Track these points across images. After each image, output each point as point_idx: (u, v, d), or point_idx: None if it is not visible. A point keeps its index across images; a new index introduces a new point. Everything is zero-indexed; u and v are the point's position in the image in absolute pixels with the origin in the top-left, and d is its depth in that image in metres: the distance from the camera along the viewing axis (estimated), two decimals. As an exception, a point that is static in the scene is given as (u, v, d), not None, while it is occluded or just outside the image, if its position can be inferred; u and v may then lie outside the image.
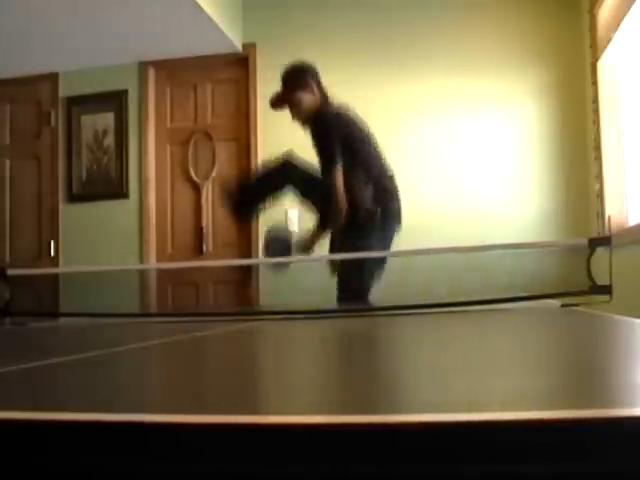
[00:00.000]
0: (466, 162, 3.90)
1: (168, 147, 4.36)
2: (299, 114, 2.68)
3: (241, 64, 4.25)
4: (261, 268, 3.99)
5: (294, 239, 2.66)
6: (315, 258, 2.86)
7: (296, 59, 2.81)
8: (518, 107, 3.92)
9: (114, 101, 4.34)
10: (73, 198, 4.38)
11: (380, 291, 2.91)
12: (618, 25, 3.19)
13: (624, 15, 3.09)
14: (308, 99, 2.68)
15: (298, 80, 2.71)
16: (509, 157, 3.91)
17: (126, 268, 3.90)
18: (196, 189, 4.30)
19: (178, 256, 4.21)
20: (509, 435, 0.30)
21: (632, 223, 3.27)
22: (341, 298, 2.51)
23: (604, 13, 3.42)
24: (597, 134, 3.55)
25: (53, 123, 4.44)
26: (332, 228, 2.61)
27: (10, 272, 1.84)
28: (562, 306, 1.57)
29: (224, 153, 4.27)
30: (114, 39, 3.98)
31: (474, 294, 2.66)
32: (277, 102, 2.77)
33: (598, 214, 3.56)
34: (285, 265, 2.61)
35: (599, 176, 3.54)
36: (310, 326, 1.33)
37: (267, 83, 4.22)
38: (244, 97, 4.24)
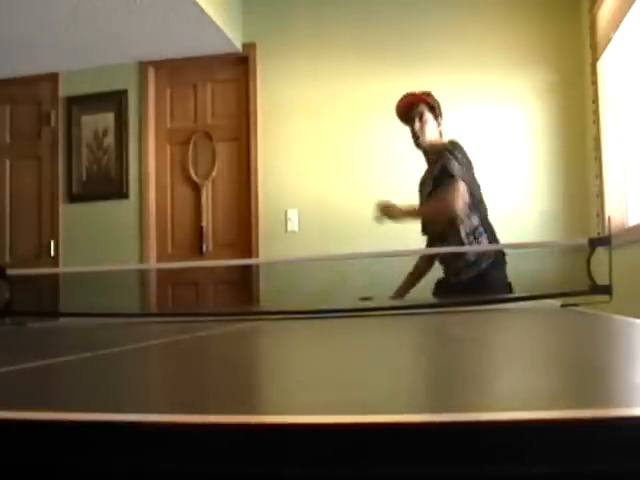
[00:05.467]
0: (466, 162, 3.89)
1: (168, 147, 4.36)
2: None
3: (241, 64, 4.25)
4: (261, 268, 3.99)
5: None
6: (316, 258, 2.85)
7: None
8: (518, 107, 3.92)
9: (114, 101, 4.34)
10: (73, 198, 4.38)
11: (381, 290, 2.92)
12: (618, 25, 3.19)
13: (624, 15, 3.09)
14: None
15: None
16: (509, 157, 3.91)
17: (126, 268, 3.90)
18: (196, 189, 4.30)
19: (178, 256, 4.21)
20: (509, 435, 0.30)
21: (632, 223, 3.27)
22: None
23: (604, 13, 3.42)
24: (597, 134, 3.55)
25: (53, 123, 4.44)
26: None
27: (10, 272, 1.84)
28: (562, 306, 1.57)
29: (224, 153, 4.27)
30: (114, 39, 3.98)
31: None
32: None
33: (598, 214, 3.56)
34: None
35: (599, 176, 3.54)
36: (310, 326, 1.33)
37: (267, 83, 4.22)
38: (244, 97, 4.24)
